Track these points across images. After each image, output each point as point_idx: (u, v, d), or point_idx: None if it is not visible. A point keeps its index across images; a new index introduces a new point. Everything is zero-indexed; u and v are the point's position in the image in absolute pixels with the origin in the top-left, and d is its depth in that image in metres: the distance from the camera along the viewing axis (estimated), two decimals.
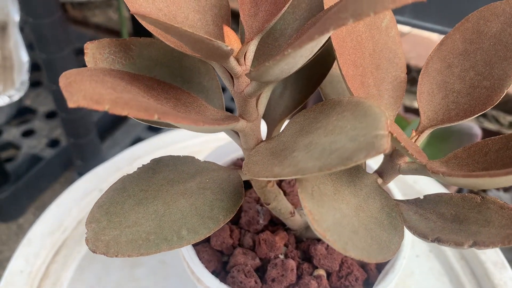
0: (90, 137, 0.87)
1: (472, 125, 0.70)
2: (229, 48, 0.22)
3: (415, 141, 0.27)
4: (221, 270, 0.33)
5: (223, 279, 0.31)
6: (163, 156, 0.27)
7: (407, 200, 0.27)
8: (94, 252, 0.22)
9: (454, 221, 0.25)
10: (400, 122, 0.79)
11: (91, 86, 0.18)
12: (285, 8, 0.24)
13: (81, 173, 0.88)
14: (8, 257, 0.90)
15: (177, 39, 0.22)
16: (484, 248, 0.22)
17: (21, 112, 1.07)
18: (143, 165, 0.27)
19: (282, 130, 0.26)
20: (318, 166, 0.18)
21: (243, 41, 0.26)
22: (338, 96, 0.30)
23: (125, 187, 0.25)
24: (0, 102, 0.99)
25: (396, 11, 0.48)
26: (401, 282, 0.43)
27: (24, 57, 1.06)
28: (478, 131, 0.69)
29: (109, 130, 1.06)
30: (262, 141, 0.29)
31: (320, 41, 0.21)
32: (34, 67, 1.08)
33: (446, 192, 0.27)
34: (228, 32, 0.25)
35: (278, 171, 0.20)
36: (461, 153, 0.26)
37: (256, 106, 0.27)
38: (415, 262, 0.45)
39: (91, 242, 0.22)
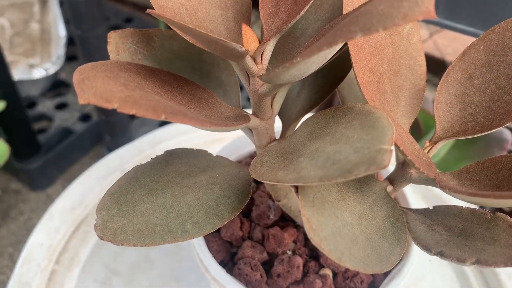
0: (120, 115, 0.89)
1: (503, 129, 0.68)
2: (243, 49, 0.23)
3: (428, 151, 0.26)
4: (229, 261, 0.33)
5: (230, 270, 0.32)
6: (176, 149, 0.28)
7: (416, 210, 0.27)
8: (101, 239, 0.23)
9: (460, 235, 0.25)
10: (428, 120, 0.78)
11: (103, 83, 0.18)
12: (303, 10, 0.24)
13: (110, 148, 0.90)
14: (36, 225, 0.94)
15: (192, 38, 0.22)
16: (487, 267, 0.22)
17: (56, 85, 1.10)
18: (156, 156, 0.27)
19: (295, 131, 0.26)
20: (318, 176, 0.18)
21: (263, 39, 0.26)
22: (355, 99, 0.30)
23: (137, 177, 0.26)
24: (37, 75, 1.02)
25: None
26: (411, 286, 0.43)
27: (61, 31, 1.08)
28: (509, 136, 0.67)
29: None
30: (274, 139, 0.29)
31: (331, 50, 0.21)
32: (71, 41, 1.10)
33: (456, 205, 0.26)
34: (247, 30, 0.25)
35: (282, 176, 0.20)
36: (474, 167, 0.25)
37: (271, 105, 0.28)
38: (427, 267, 0.45)
39: (99, 229, 0.23)
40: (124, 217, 0.24)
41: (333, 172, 0.18)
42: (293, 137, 0.26)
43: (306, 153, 0.22)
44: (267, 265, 0.33)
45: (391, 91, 0.27)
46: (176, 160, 0.27)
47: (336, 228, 0.20)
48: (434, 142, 0.26)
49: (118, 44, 0.28)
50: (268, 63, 0.27)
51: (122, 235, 0.23)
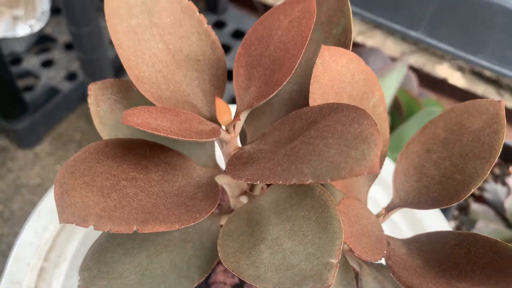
0: (106, 77, 0.90)
1: None
2: (212, 139, 0.24)
3: (383, 218, 0.29)
4: (203, 283, 0.37)
5: None
6: None
7: (371, 263, 0.30)
8: None
9: None
10: (412, 105, 0.79)
11: (80, 196, 0.20)
12: (273, 94, 0.25)
13: None
14: (25, 183, 0.96)
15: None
16: None
17: (41, 40, 1.08)
18: None
19: (264, 193, 0.28)
20: (273, 283, 0.21)
21: (236, 113, 0.27)
22: None
23: (115, 234, 0.28)
24: (21, 32, 1.00)
25: (410, 26, 0.48)
26: None
27: None
28: None
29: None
30: (245, 191, 0.31)
31: None
32: None
33: None
34: (220, 105, 0.26)
35: (243, 268, 0.22)
36: (424, 236, 0.28)
37: None
38: None
39: None
40: (104, 279, 0.26)
41: (285, 281, 0.21)
42: (261, 200, 0.28)
43: (268, 238, 0.24)
44: (239, 287, 0.36)
45: None
46: None
47: None
48: (389, 209, 0.29)
49: (98, 95, 0.30)
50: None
51: None
